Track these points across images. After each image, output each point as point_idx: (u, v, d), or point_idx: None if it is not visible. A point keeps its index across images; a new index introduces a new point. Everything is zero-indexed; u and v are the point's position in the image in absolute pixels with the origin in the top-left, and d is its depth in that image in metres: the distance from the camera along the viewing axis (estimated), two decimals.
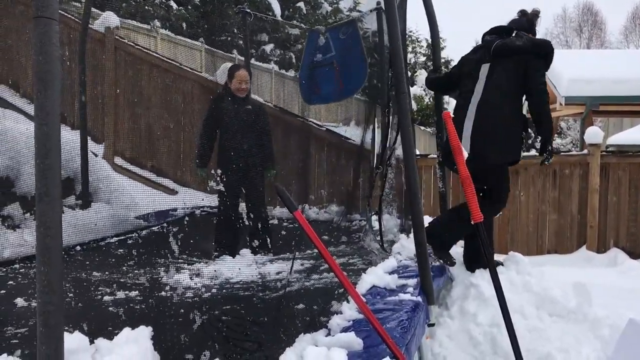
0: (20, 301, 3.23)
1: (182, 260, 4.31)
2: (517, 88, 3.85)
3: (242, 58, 8.68)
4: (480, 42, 4.15)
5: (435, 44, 5.03)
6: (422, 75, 20.90)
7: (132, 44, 7.96)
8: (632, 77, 11.70)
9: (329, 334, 2.49)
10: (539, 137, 3.97)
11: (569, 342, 3.52)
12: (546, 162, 3.96)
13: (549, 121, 3.92)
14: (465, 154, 3.50)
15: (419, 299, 3.03)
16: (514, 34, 3.99)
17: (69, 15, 7.54)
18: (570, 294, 3.99)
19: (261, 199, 5.04)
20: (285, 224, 5.97)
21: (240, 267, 3.95)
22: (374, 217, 4.85)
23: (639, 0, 42.09)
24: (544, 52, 3.87)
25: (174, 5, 13.13)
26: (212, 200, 5.69)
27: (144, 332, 2.16)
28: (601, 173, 7.58)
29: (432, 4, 4.67)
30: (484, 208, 3.65)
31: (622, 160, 7.69)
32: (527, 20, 4.06)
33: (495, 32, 4.03)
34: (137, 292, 3.42)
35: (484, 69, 3.90)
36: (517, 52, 3.83)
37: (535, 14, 4.12)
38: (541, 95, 3.82)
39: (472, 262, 4.10)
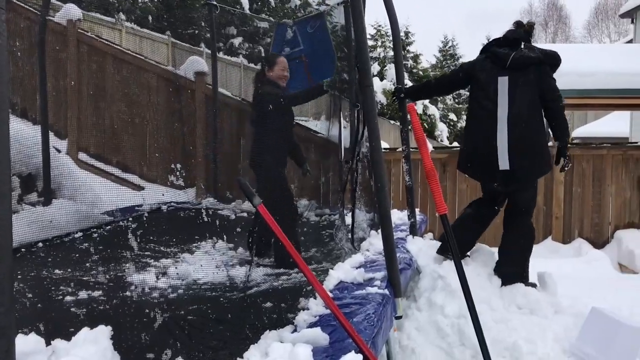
0: None
1: (147, 257, 4.22)
2: (538, 98, 3.92)
3: (210, 51, 8.56)
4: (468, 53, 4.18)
5: (397, 60, 4.78)
6: (391, 70, 20.89)
7: (95, 37, 7.77)
8: (596, 70, 11.89)
9: (295, 330, 2.47)
10: (557, 143, 4.04)
11: (535, 332, 3.56)
12: (566, 168, 4.08)
13: (567, 127, 4.06)
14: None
15: (386, 291, 3.02)
16: (522, 46, 4.02)
17: (29, 7, 7.30)
18: (536, 284, 4.04)
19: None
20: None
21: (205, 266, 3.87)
22: (345, 212, 4.82)
23: None
24: (555, 62, 4.01)
25: None
26: (176, 196, 5.58)
27: (104, 332, 2.10)
28: None
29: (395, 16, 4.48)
30: (526, 225, 4.04)
31: (586, 152, 7.84)
32: (524, 31, 4.11)
33: (505, 45, 4.02)
34: (99, 291, 3.33)
35: (502, 81, 3.89)
36: (533, 64, 3.91)
37: (531, 25, 4.19)
38: (560, 102, 3.96)
39: (445, 252, 4.10)
